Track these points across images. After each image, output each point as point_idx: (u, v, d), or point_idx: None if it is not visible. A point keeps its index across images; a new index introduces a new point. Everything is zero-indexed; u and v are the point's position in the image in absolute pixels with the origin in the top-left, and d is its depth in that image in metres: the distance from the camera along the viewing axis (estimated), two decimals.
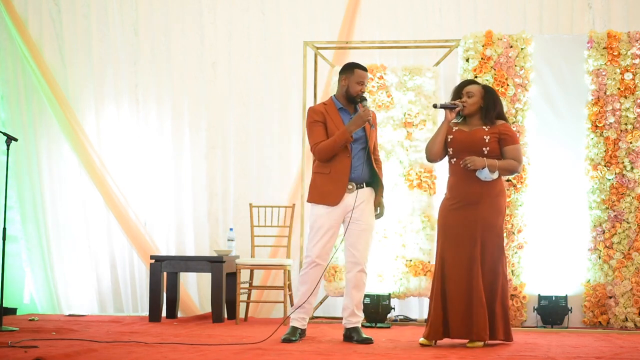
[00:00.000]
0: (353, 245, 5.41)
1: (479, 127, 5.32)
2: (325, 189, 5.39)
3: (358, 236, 5.40)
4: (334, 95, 5.56)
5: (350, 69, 5.44)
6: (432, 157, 5.46)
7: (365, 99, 5.40)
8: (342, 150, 5.37)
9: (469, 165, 5.19)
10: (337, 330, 6.17)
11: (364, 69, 5.46)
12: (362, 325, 6.09)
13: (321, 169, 5.44)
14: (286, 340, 5.36)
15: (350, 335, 5.44)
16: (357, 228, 5.40)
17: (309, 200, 5.48)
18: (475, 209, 5.25)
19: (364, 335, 5.40)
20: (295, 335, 5.41)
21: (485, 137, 5.27)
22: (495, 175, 5.23)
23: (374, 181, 5.48)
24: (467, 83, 5.45)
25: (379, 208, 5.50)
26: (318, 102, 7.18)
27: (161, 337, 5.62)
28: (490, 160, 5.22)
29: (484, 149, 5.25)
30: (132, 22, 8.07)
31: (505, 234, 6.66)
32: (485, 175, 5.20)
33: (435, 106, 5.50)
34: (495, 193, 5.27)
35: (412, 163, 6.98)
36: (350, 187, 5.38)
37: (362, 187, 5.42)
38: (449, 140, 5.37)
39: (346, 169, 5.37)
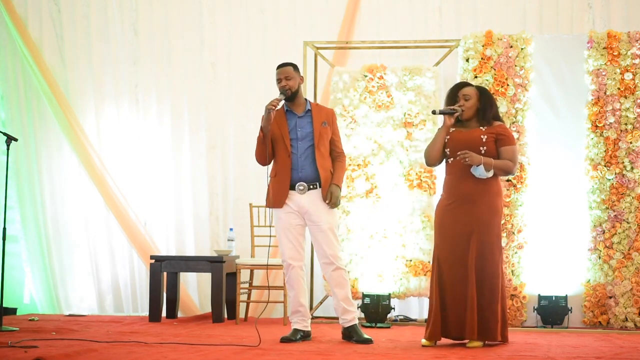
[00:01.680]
0: (320, 247, 5.45)
1: (476, 128, 5.33)
2: (274, 192, 5.44)
3: (322, 238, 5.42)
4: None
5: None
6: (431, 162, 5.47)
7: (282, 93, 5.42)
8: (282, 151, 5.42)
9: (466, 159, 5.18)
10: (337, 330, 6.16)
11: (281, 65, 5.53)
12: (362, 325, 6.09)
13: (272, 173, 5.51)
14: (285, 339, 5.36)
15: (350, 335, 5.45)
16: (318, 230, 5.43)
17: (266, 206, 5.55)
18: (471, 209, 5.25)
19: (364, 336, 5.41)
20: (296, 336, 5.42)
21: (482, 136, 5.27)
22: (490, 174, 5.23)
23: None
24: (462, 85, 5.45)
25: (330, 195, 5.39)
26: (318, 102, 7.18)
27: (161, 337, 5.62)
28: (487, 158, 5.21)
29: (481, 148, 5.25)
30: (132, 22, 8.07)
31: (505, 234, 6.68)
32: (480, 172, 5.20)
33: (434, 112, 5.51)
34: (491, 193, 5.27)
35: (412, 163, 6.98)
36: (301, 187, 5.40)
37: (315, 188, 5.42)
38: (447, 140, 5.37)
39: (287, 169, 5.41)
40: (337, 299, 5.46)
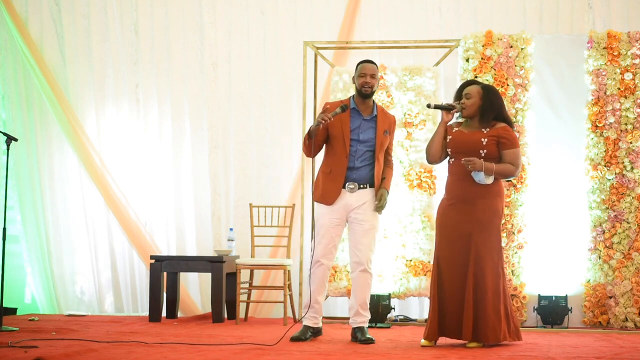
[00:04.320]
0: (355, 245, 5.43)
1: (478, 130, 5.29)
2: (324, 188, 5.43)
3: (361, 236, 5.41)
4: (353, 95, 5.54)
5: (357, 66, 5.50)
6: (431, 159, 5.46)
7: (346, 105, 5.36)
8: (341, 150, 5.39)
9: (469, 166, 5.16)
10: (337, 330, 6.17)
11: (367, 62, 5.46)
12: None
13: (323, 168, 5.50)
14: (295, 339, 5.38)
15: (355, 335, 5.47)
16: (360, 228, 5.41)
17: (313, 199, 5.57)
18: (470, 210, 5.24)
19: (367, 336, 5.41)
20: (306, 334, 5.43)
21: (482, 139, 5.24)
22: (490, 180, 5.19)
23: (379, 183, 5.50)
24: (467, 84, 5.41)
25: (381, 197, 5.41)
26: (318, 102, 7.19)
27: (161, 337, 5.62)
28: (488, 163, 5.18)
29: (480, 151, 5.23)
30: (132, 22, 8.07)
31: (505, 234, 6.68)
32: (480, 178, 5.18)
33: (429, 106, 5.49)
34: (491, 194, 5.25)
35: (412, 163, 6.98)
36: (352, 186, 5.39)
37: (365, 188, 5.42)
38: (448, 140, 5.36)
39: (343, 169, 5.39)
40: (355, 300, 5.46)
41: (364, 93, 5.39)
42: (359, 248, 5.42)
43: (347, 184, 5.40)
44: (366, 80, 5.38)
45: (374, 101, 5.52)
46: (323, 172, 5.48)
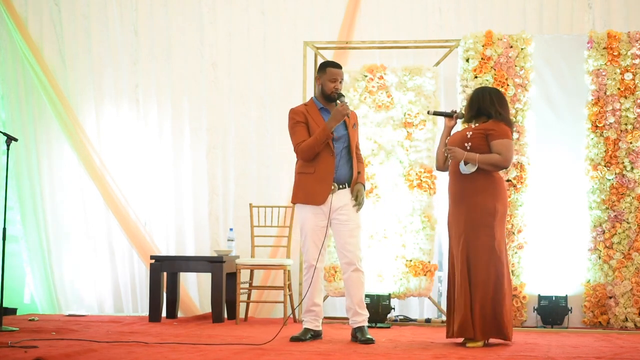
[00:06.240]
0: (343, 246, 5.44)
1: (468, 127, 5.41)
2: (310, 189, 5.41)
3: (347, 236, 5.42)
4: (314, 96, 5.60)
5: (322, 68, 5.51)
6: (436, 164, 5.60)
7: (343, 95, 5.42)
8: (325, 149, 5.39)
9: (448, 155, 5.28)
10: (337, 330, 6.17)
11: (337, 66, 5.51)
12: None
13: (305, 169, 5.45)
14: (295, 339, 5.40)
15: (355, 335, 5.47)
16: (345, 229, 5.42)
17: (293, 201, 5.51)
18: (460, 208, 5.31)
19: (367, 336, 5.42)
20: (306, 335, 5.44)
21: (467, 133, 5.32)
22: (473, 169, 5.21)
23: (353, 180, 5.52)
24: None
25: (357, 195, 5.43)
26: None
27: (161, 337, 5.62)
28: (470, 153, 5.23)
29: (465, 144, 5.28)
30: (132, 22, 8.07)
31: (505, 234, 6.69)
32: (461, 168, 5.24)
33: (428, 112, 5.66)
34: (484, 192, 5.24)
35: (412, 163, 6.98)
36: (332, 187, 5.40)
37: (345, 188, 5.44)
38: (447, 141, 5.48)
39: (331, 167, 5.39)
40: (351, 300, 5.46)
41: (332, 97, 5.43)
42: (347, 249, 5.43)
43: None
44: (337, 85, 5.44)
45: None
46: (305, 173, 5.44)
